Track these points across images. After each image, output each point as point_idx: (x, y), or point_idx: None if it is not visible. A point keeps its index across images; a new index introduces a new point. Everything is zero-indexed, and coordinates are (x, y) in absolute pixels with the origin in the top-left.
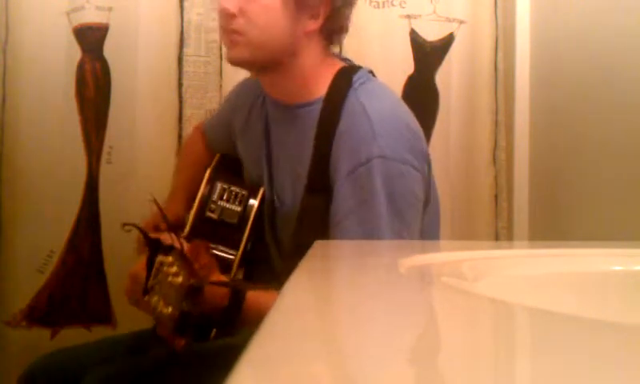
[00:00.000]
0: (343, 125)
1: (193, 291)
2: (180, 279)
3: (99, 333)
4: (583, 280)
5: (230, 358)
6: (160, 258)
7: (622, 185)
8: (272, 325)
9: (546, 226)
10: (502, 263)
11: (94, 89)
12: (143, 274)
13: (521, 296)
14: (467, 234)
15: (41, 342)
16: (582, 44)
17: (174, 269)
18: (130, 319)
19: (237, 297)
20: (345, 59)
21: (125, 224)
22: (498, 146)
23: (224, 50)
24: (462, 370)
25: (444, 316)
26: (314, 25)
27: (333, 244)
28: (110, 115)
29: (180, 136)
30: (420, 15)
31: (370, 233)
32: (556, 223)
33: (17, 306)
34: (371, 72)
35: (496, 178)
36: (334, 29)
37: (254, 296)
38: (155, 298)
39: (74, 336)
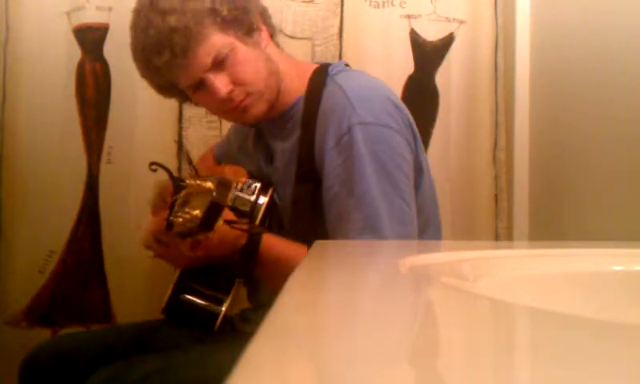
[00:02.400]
0: (323, 107)
1: (222, 185)
2: (209, 183)
3: None
4: (583, 280)
5: (231, 354)
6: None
7: (622, 184)
8: (271, 325)
9: (545, 226)
10: (502, 263)
11: (94, 89)
12: (164, 217)
13: (521, 296)
14: (467, 234)
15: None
16: (581, 44)
17: (200, 181)
18: (129, 319)
19: (253, 239)
20: (319, 63)
21: (152, 163)
22: (497, 146)
23: None
24: (462, 370)
25: (444, 316)
26: (265, 35)
27: (333, 244)
28: (110, 115)
29: (180, 136)
30: (420, 15)
31: (361, 196)
32: (556, 223)
33: (17, 306)
34: (347, 65)
35: (496, 178)
36: (272, 29)
37: (269, 241)
38: (179, 214)
39: None
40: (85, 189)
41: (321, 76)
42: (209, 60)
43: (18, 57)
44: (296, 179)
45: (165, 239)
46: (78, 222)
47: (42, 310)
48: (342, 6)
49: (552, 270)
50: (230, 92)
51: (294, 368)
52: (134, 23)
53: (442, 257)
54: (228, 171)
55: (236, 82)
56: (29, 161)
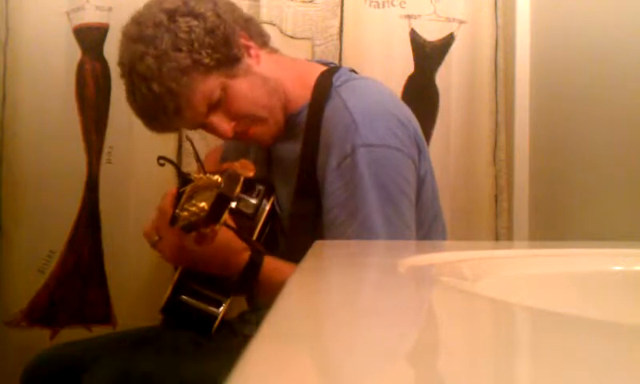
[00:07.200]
0: (326, 123)
1: (230, 177)
2: (216, 176)
3: (99, 333)
4: (583, 280)
5: (230, 356)
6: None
7: (622, 184)
8: (272, 324)
9: (546, 226)
10: (502, 263)
11: (94, 89)
12: (170, 207)
13: (521, 296)
14: (467, 234)
15: (41, 342)
16: (581, 44)
17: (208, 175)
18: (130, 319)
19: (256, 258)
20: (326, 62)
21: (159, 157)
22: (497, 146)
23: None
24: (461, 370)
25: (444, 316)
26: (254, 52)
27: (332, 244)
28: (110, 115)
29: (180, 136)
30: (420, 15)
31: (362, 222)
32: (556, 223)
33: (17, 306)
34: (353, 70)
35: (496, 178)
36: (262, 37)
37: (270, 263)
38: (186, 207)
39: (73, 336)
40: (85, 189)
41: (324, 86)
42: (204, 108)
43: (18, 57)
44: (295, 194)
45: (163, 233)
46: (78, 221)
47: (42, 310)
48: (342, 6)
49: (552, 270)
50: (234, 127)
51: (295, 367)
52: (122, 75)
53: (441, 257)
54: (236, 165)
55: (236, 117)
56: (29, 161)
